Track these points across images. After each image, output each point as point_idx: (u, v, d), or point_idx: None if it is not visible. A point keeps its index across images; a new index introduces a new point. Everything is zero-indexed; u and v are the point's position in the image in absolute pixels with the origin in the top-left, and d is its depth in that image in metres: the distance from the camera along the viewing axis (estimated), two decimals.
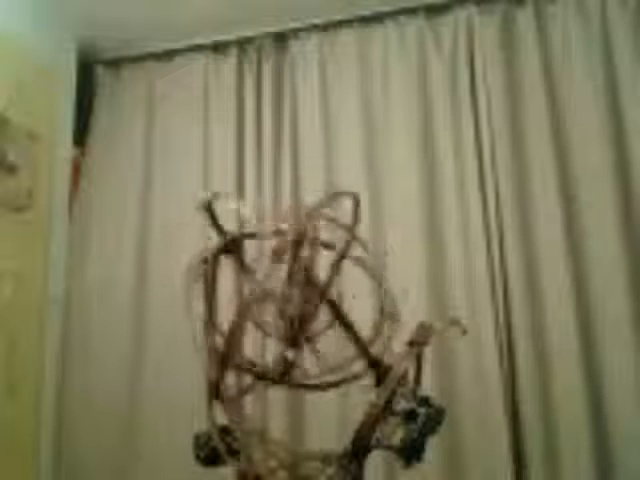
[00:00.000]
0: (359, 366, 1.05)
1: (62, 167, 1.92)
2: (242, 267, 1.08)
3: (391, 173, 1.79)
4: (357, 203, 0.99)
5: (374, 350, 1.00)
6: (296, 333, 0.88)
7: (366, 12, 1.90)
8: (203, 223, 1.88)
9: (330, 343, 1.59)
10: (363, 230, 1.47)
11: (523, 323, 1.60)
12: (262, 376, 0.90)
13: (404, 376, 0.94)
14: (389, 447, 0.93)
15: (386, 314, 1.02)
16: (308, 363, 1.00)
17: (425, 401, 0.92)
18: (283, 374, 0.86)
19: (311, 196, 1.82)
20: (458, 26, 1.83)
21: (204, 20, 1.94)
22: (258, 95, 1.96)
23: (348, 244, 0.95)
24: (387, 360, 0.99)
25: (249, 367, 0.91)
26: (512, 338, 1.61)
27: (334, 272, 0.93)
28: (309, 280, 0.90)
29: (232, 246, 1.10)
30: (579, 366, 1.53)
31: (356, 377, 0.98)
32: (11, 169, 1.67)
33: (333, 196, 1.00)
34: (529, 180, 1.70)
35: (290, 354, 0.87)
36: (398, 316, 1.02)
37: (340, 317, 1.00)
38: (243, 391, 1.10)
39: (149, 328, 1.86)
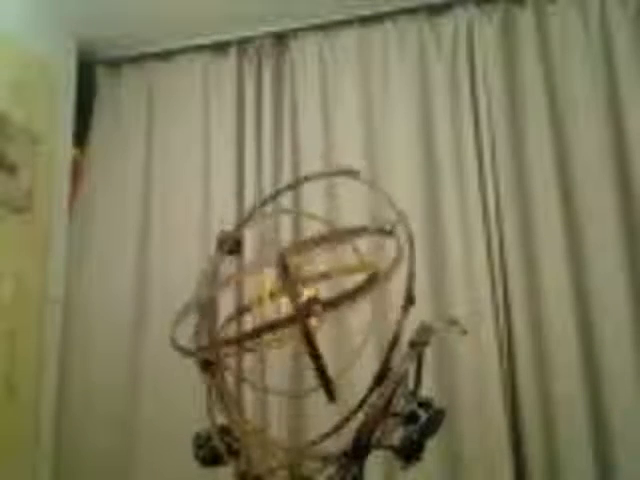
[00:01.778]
0: None
1: (62, 167, 1.92)
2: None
3: (391, 172, 1.79)
4: (411, 241, 0.98)
5: None
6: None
7: (366, 12, 1.89)
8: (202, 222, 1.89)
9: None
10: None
11: (523, 323, 1.60)
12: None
13: (404, 376, 0.94)
14: (389, 447, 0.93)
15: None
16: None
17: (426, 404, 0.92)
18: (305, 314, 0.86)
19: (311, 196, 1.82)
20: (458, 26, 1.83)
21: (204, 20, 1.94)
22: (258, 95, 1.96)
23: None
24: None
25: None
26: (512, 338, 1.61)
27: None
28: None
29: (235, 247, 1.11)
30: (579, 366, 1.53)
31: None
32: (11, 169, 1.66)
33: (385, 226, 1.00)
34: (529, 180, 1.69)
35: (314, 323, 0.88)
36: None
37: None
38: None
39: (149, 328, 1.85)
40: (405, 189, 1.75)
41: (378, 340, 1.60)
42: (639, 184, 1.61)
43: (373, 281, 0.95)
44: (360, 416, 0.94)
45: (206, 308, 1.00)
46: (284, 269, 0.87)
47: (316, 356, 0.85)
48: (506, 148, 1.71)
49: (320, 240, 0.97)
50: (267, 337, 1.09)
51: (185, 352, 0.90)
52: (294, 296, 0.87)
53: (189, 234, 1.88)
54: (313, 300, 0.93)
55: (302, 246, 0.95)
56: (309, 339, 0.85)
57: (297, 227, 1.80)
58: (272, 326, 0.97)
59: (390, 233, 0.98)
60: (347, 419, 0.87)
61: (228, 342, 1.11)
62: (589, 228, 1.62)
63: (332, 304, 0.88)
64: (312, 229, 1.64)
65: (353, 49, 1.90)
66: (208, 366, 0.99)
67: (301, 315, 0.85)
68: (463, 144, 1.75)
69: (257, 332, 1.05)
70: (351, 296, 0.90)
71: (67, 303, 1.90)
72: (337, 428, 0.88)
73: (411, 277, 0.98)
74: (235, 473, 1.00)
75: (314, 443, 1.00)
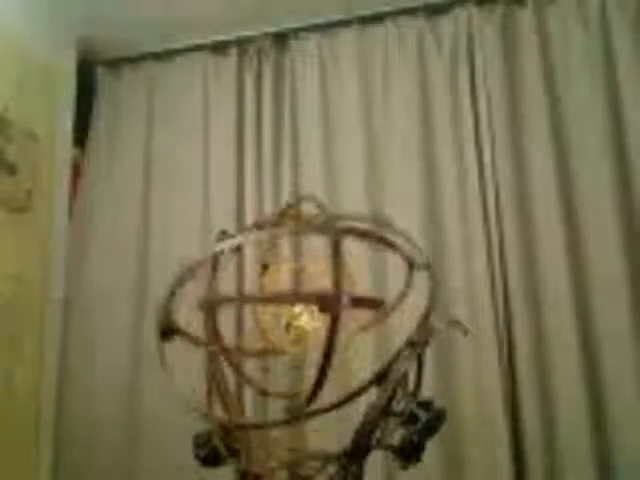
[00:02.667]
0: None
1: (62, 167, 1.92)
2: None
3: (391, 173, 1.79)
4: (435, 288, 0.99)
5: None
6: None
7: (366, 12, 1.89)
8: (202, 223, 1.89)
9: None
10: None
11: (523, 323, 1.60)
12: None
13: (404, 376, 0.94)
14: (389, 447, 0.93)
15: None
16: None
17: (426, 404, 0.92)
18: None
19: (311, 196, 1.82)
20: (458, 26, 1.83)
21: (204, 20, 1.94)
22: (258, 95, 1.96)
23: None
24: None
25: None
26: (512, 338, 1.61)
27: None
28: None
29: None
30: (579, 366, 1.53)
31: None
32: (11, 169, 1.67)
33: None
34: (529, 180, 1.69)
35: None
36: None
37: None
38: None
39: (150, 328, 1.85)
40: (405, 189, 1.75)
41: (378, 341, 1.61)
42: (639, 184, 1.61)
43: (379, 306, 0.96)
44: (357, 415, 0.94)
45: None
46: (337, 248, 0.86)
47: (331, 347, 0.84)
48: (506, 148, 1.71)
49: (365, 233, 0.97)
50: (268, 327, 1.08)
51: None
52: (338, 280, 0.85)
53: (189, 234, 1.88)
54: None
55: (349, 233, 0.94)
56: (334, 327, 0.84)
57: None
58: (291, 297, 0.96)
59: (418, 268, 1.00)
60: (337, 405, 0.87)
61: (229, 300, 1.09)
62: (589, 228, 1.62)
63: (360, 302, 0.88)
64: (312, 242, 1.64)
65: (353, 49, 1.90)
66: (170, 334, 1.00)
67: (337, 299, 0.84)
68: (463, 144, 1.75)
69: (271, 298, 1.04)
70: (372, 305, 0.92)
71: (67, 303, 1.91)
72: (324, 411, 0.88)
73: (429, 310, 0.99)
74: (235, 473, 1.00)
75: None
